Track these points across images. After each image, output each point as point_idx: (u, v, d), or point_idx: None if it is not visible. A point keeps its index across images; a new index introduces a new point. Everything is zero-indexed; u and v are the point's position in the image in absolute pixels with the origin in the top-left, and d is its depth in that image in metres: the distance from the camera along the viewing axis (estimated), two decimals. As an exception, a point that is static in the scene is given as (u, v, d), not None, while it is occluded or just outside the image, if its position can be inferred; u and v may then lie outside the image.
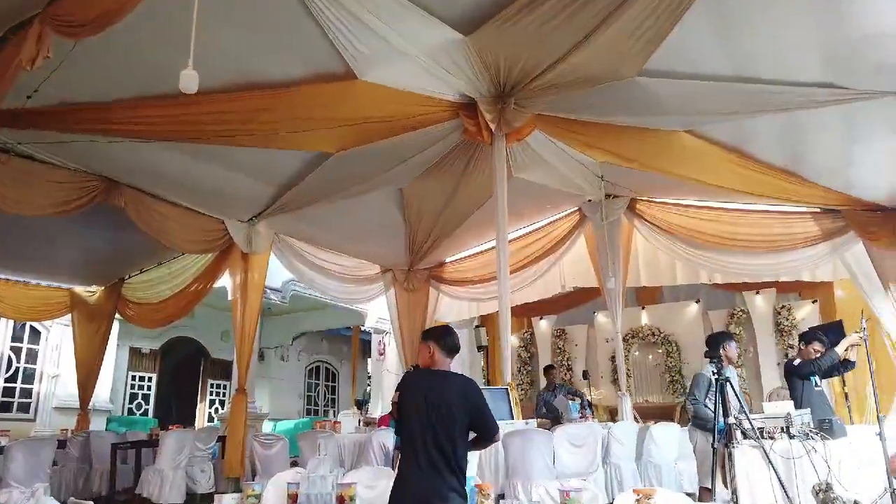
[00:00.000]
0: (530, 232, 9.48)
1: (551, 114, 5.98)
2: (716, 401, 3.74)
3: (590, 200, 8.79)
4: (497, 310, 11.48)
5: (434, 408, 2.86)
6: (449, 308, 10.82)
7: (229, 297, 7.64)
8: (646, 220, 8.56)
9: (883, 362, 7.64)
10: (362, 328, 13.30)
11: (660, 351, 12.68)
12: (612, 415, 11.00)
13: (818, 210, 7.60)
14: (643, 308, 12.95)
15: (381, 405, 11.22)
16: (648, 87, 5.06)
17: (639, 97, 5.23)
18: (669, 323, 12.67)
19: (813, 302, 11.35)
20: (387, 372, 11.19)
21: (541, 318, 14.04)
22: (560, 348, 13.64)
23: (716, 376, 3.78)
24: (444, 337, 3.17)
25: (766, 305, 11.59)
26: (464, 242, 9.31)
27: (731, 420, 3.70)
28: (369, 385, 14.35)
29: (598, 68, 4.97)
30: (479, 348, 9.09)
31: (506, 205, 6.11)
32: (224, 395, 14.38)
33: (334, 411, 15.75)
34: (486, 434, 3.07)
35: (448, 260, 9.99)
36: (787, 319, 11.31)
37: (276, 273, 9.28)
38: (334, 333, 15.84)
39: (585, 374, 9.82)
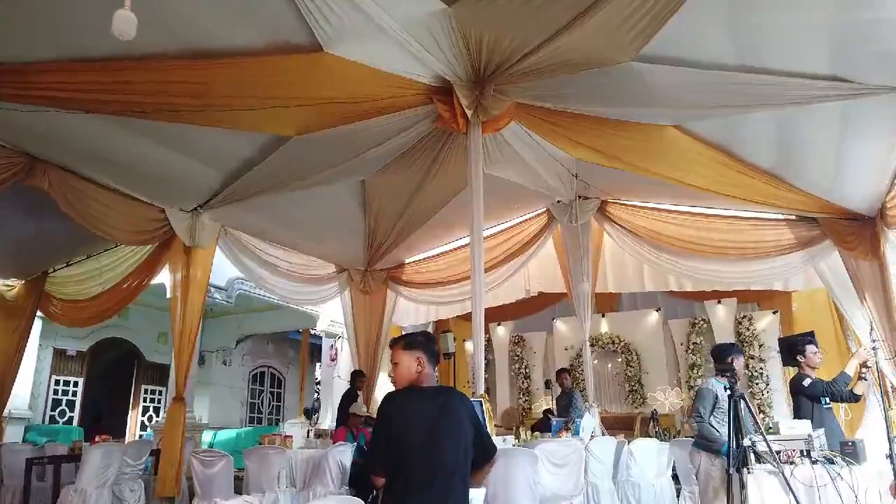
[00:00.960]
0: (496, 233, 9.02)
1: (533, 102, 5.51)
2: (729, 420, 3.31)
3: (559, 201, 8.41)
4: (455, 315, 11.06)
5: (441, 433, 2.36)
6: (405, 312, 10.27)
7: (168, 296, 6.88)
8: (616, 223, 8.22)
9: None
10: (312, 331, 12.59)
11: (619, 360, 12.42)
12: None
13: (794, 218, 7.40)
14: (603, 315, 12.67)
15: (331, 414, 10.54)
16: (644, 73, 4.64)
17: (632, 85, 4.81)
18: (629, 331, 12.43)
19: (774, 312, 11.28)
20: (338, 378, 10.53)
21: (498, 325, 13.62)
22: (518, 356, 13.25)
23: (729, 392, 3.35)
24: (431, 344, 2.68)
25: (727, 315, 11.46)
26: (427, 242, 8.78)
27: (747, 442, 3.28)
28: (318, 392, 13.60)
29: (590, 51, 4.51)
30: (446, 355, 8.54)
31: (482, 198, 5.61)
32: (160, 401, 13.35)
33: (279, 420, 14.88)
34: (487, 453, 2.71)
35: (408, 261, 9.45)
36: (749, 330, 11.20)
37: (222, 270, 8.54)
38: (282, 337, 14.99)
39: (549, 384, 9.40)
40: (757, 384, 10.82)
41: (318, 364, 14.90)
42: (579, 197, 8.27)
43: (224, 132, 5.54)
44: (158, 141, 5.62)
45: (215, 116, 5.14)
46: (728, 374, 3.50)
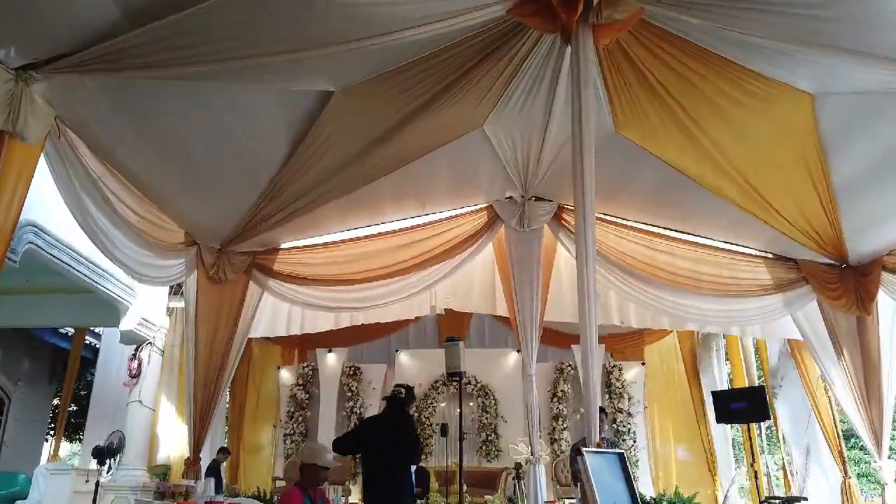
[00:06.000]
0: (414, 227, 6.92)
1: (667, 13, 3.78)
2: None
3: (509, 197, 6.70)
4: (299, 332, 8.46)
5: None
6: (256, 319, 7.42)
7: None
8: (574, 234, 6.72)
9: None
10: (89, 336, 8.67)
11: (472, 404, 10.85)
12: (444, 482, 8.65)
13: (771, 256, 6.69)
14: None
15: (144, 457, 7.01)
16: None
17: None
18: (486, 371, 10.97)
19: (642, 364, 10.74)
20: (138, 404, 7.14)
21: (329, 351, 11.22)
22: (352, 390, 10.93)
23: None
24: None
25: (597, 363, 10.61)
26: (341, 218, 6.35)
27: None
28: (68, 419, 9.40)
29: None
30: (451, 376, 5.91)
31: (593, 148, 3.66)
32: None
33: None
34: None
35: (285, 245, 6.79)
36: (618, 381, 10.46)
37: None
38: (20, 337, 10.25)
39: (445, 430, 7.32)
40: (625, 440, 10.02)
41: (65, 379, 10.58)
42: (534, 197, 6.66)
43: None
44: None
45: None
46: None
